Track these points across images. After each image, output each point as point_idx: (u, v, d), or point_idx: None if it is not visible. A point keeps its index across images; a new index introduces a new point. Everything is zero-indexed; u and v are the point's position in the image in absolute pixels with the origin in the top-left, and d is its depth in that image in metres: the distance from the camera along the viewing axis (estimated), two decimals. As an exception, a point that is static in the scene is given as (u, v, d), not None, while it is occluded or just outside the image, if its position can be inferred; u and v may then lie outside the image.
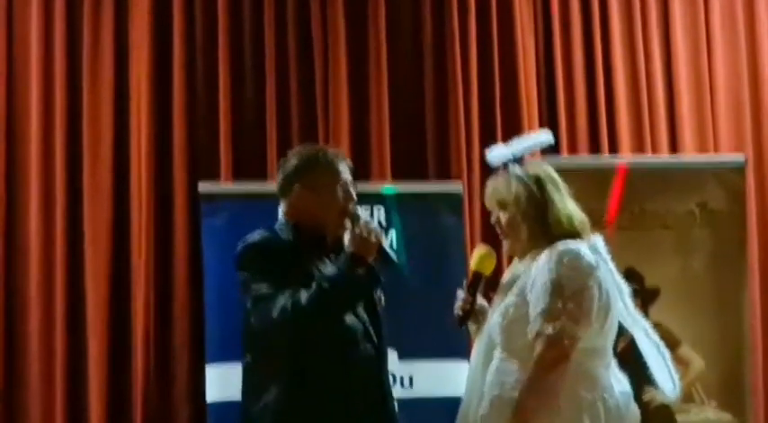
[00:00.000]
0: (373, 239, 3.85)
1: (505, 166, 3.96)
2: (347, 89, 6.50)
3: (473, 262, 3.92)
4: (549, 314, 3.57)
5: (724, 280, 5.99)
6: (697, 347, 5.84)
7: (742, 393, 5.99)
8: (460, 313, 3.88)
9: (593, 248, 3.73)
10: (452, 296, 5.39)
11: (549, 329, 3.55)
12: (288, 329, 3.70)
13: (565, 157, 6.38)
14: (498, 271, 4.02)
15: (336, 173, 3.96)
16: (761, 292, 6.73)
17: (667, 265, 5.87)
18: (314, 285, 3.71)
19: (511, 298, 3.70)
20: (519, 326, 3.66)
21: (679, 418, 5.61)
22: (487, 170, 6.32)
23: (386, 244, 3.94)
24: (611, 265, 3.77)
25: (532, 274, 3.67)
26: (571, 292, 3.59)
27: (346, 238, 3.97)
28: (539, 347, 3.56)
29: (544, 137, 4.16)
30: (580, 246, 3.70)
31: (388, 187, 5.90)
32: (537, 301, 3.61)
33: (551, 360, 3.55)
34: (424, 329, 5.60)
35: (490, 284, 3.98)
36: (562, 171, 3.94)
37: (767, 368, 6.68)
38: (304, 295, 3.69)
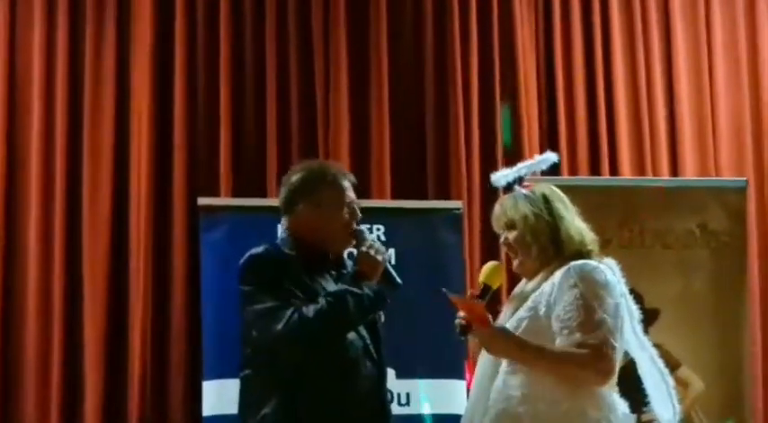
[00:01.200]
0: (379, 259, 3.84)
1: (510, 187, 3.94)
2: (348, 106, 6.51)
3: (482, 274, 3.89)
4: (588, 326, 3.52)
5: (724, 301, 5.98)
6: (697, 369, 5.82)
7: (742, 416, 5.96)
8: (463, 323, 3.83)
9: (608, 269, 3.70)
10: (451, 315, 5.40)
11: (593, 340, 3.51)
12: (294, 343, 3.67)
13: (565, 178, 6.36)
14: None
15: (341, 190, 3.94)
16: (761, 314, 6.73)
17: (667, 286, 5.86)
18: (321, 301, 3.69)
19: (523, 312, 3.67)
20: (530, 339, 3.63)
21: (678, 440, 5.59)
22: (488, 190, 6.44)
23: (389, 266, 3.92)
24: (624, 288, 3.74)
25: (547, 290, 3.63)
26: (603, 305, 3.54)
27: (347, 255, 3.97)
28: (590, 358, 3.51)
29: (549, 157, 4.14)
30: (597, 263, 3.67)
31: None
32: (567, 316, 3.55)
33: (604, 371, 3.52)
34: (422, 347, 5.59)
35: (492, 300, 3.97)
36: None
37: (767, 391, 6.67)
38: (311, 310, 3.67)
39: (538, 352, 3.55)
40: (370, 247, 3.86)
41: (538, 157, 4.11)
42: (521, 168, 4.01)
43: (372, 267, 3.83)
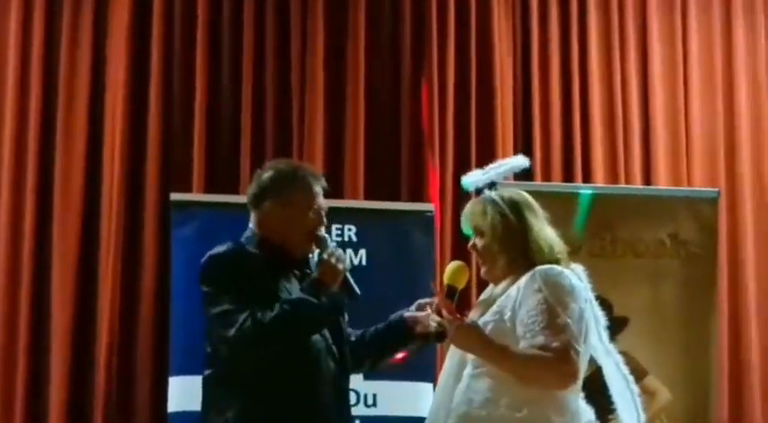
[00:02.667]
0: (340, 267, 3.82)
1: (481, 191, 3.93)
2: (323, 105, 6.50)
3: (446, 275, 3.87)
4: (551, 329, 3.51)
5: (693, 311, 5.98)
6: (664, 378, 5.81)
7: (708, 427, 5.99)
8: (440, 329, 3.82)
9: (574, 275, 3.69)
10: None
11: (556, 343, 3.50)
12: (245, 348, 3.66)
13: (537, 184, 6.36)
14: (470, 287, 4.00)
15: (311, 194, 3.91)
16: (729, 325, 6.76)
17: (636, 295, 5.86)
18: (277, 307, 3.67)
19: (488, 316, 3.66)
20: None
21: (644, 449, 5.59)
22: (461, 194, 6.43)
23: (349, 276, 3.89)
24: (591, 294, 3.74)
25: (512, 294, 3.63)
26: (567, 310, 3.54)
27: (312, 258, 3.96)
28: (554, 361, 3.50)
29: (520, 161, 4.13)
30: (562, 269, 3.67)
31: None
32: (531, 320, 3.54)
33: (567, 375, 3.51)
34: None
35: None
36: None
37: (733, 401, 6.71)
38: (266, 316, 3.65)
39: (502, 351, 3.54)
40: (332, 255, 3.82)
41: (508, 161, 4.10)
42: (490, 172, 4.01)
43: (333, 276, 3.80)
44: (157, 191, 6.24)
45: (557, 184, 6.56)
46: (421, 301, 4.02)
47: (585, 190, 6.10)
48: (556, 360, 3.49)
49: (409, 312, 4.01)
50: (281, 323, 3.65)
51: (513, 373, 3.53)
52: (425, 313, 3.92)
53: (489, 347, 3.56)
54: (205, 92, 6.40)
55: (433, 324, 3.84)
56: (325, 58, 6.54)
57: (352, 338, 4.03)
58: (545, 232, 3.76)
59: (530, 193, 3.89)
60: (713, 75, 7.05)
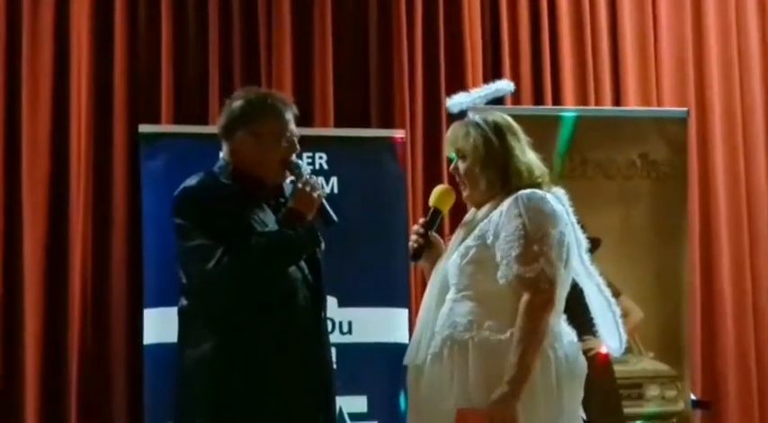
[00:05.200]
0: (315, 196, 3.82)
1: (464, 113, 3.92)
2: (290, 33, 6.45)
3: (432, 198, 3.90)
4: (525, 258, 3.53)
5: (664, 231, 6.03)
6: (636, 298, 5.85)
7: (679, 345, 6.03)
8: (415, 246, 3.85)
9: (556, 199, 3.70)
10: (394, 243, 5.41)
11: (530, 273, 3.52)
12: (223, 282, 3.67)
13: (508, 108, 6.34)
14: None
15: (283, 121, 3.88)
16: (700, 245, 6.80)
17: (608, 216, 5.87)
18: (253, 240, 3.67)
19: (470, 241, 3.67)
20: (477, 268, 3.63)
21: (617, 367, 5.62)
22: (431, 119, 6.43)
23: (326, 203, 3.90)
24: (572, 218, 3.75)
25: (495, 219, 3.63)
26: (545, 236, 3.55)
27: (286, 186, 3.94)
28: (524, 293, 3.52)
29: (504, 85, 4.12)
30: (545, 193, 3.68)
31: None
32: (508, 246, 3.56)
33: (540, 305, 3.52)
34: (364, 276, 5.60)
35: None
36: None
37: (704, 320, 6.77)
38: (243, 249, 3.64)
39: (522, 354, 3.50)
40: (306, 183, 3.82)
41: (494, 85, 4.09)
42: (477, 95, 4.00)
43: (308, 205, 3.81)
44: (125, 123, 6.18)
45: (541, 108, 6.55)
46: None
47: (569, 112, 6.10)
48: (533, 295, 3.51)
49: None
50: (258, 256, 3.66)
51: (538, 332, 3.53)
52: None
53: (521, 376, 3.51)
54: (171, 21, 6.33)
55: (412, 243, 3.87)
56: (292, -18, 6.50)
57: None
58: (526, 155, 3.76)
59: (513, 117, 3.89)
60: (681, -6, 7.05)
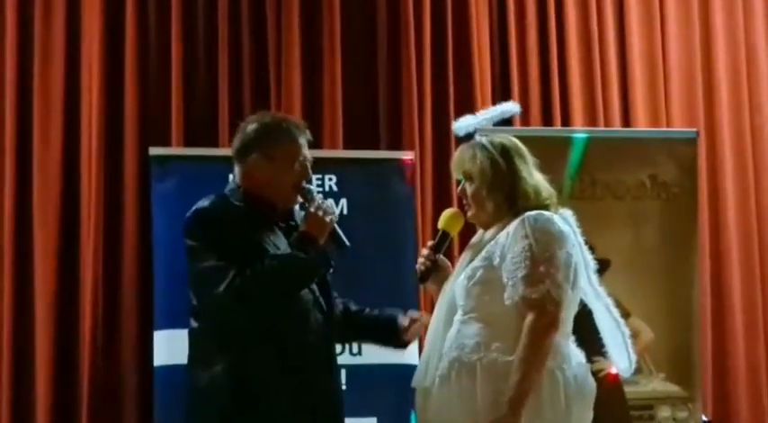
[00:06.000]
0: (327, 220, 3.83)
1: (471, 135, 3.94)
2: (300, 55, 6.46)
3: (442, 221, 3.94)
4: (531, 279, 3.54)
5: (674, 252, 6.02)
6: (646, 319, 5.83)
7: (690, 366, 6.01)
8: (423, 269, 3.87)
9: (563, 220, 3.71)
10: (403, 264, 5.41)
11: (535, 294, 3.53)
12: (235, 304, 3.67)
13: (517, 129, 6.35)
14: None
15: (297, 146, 3.90)
16: (711, 265, 6.79)
17: (618, 237, 5.88)
18: (266, 263, 3.68)
19: (478, 262, 3.68)
20: (484, 289, 3.65)
21: (627, 389, 5.62)
22: (440, 141, 6.43)
23: (338, 227, 3.91)
24: (580, 238, 3.76)
25: (501, 241, 3.65)
26: (551, 257, 3.57)
27: (296, 210, 3.95)
28: (529, 314, 3.53)
29: (511, 107, 4.14)
30: (552, 214, 3.69)
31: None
32: (514, 267, 3.58)
33: (544, 327, 3.53)
34: (373, 297, 5.55)
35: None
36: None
37: (715, 341, 6.75)
38: (255, 272, 3.65)
39: (524, 375, 3.51)
40: (318, 207, 3.84)
41: (500, 107, 4.11)
42: (483, 117, 4.01)
43: (320, 229, 3.82)
44: (136, 146, 6.20)
45: (552, 129, 6.56)
46: (412, 314, 4.06)
47: (580, 134, 6.10)
48: (538, 316, 3.52)
49: (402, 317, 4.04)
50: (270, 278, 3.67)
51: (542, 353, 3.53)
52: (417, 325, 3.99)
53: (520, 399, 3.51)
54: (181, 43, 6.35)
55: (420, 265, 3.88)
56: (301, 5, 6.50)
57: (352, 308, 4.10)
58: (534, 177, 3.78)
59: (523, 138, 3.90)
60: (690, 14, 7.04)
